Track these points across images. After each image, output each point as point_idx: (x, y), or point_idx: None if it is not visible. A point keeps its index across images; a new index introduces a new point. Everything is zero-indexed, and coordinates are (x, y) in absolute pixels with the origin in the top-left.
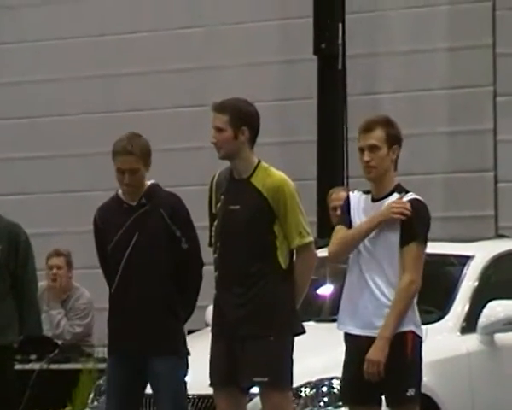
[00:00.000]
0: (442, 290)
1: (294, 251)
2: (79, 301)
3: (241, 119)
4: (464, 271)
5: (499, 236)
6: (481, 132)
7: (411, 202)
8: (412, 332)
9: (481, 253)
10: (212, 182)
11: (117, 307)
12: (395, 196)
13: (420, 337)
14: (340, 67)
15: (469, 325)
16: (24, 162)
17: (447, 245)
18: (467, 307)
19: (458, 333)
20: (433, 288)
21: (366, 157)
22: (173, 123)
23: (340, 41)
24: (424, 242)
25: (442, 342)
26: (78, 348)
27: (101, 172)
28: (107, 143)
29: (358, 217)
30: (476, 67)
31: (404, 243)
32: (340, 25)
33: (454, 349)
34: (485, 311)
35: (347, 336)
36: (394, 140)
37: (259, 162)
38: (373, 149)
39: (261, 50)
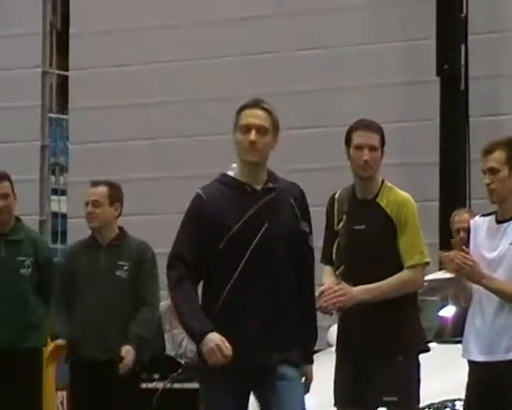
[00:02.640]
0: None
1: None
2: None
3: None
4: None
5: None
6: None
7: None
8: None
9: None
10: (333, 199)
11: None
12: None
13: None
14: (462, 88)
15: None
16: (146, 183)
17: None
18: None
19: None
20: None
21: (487, 180)
22: (295, 144)
23: (462, 62)
24: None
25: None
26: None
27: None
28: (230, 163)
29: (481, 239)
30: None
31: None
32: (463, 46)
33: None
34: None
35: (470, 362)
36: None
37: (383, 182)
38: (493, 171)
39: (383, 72)
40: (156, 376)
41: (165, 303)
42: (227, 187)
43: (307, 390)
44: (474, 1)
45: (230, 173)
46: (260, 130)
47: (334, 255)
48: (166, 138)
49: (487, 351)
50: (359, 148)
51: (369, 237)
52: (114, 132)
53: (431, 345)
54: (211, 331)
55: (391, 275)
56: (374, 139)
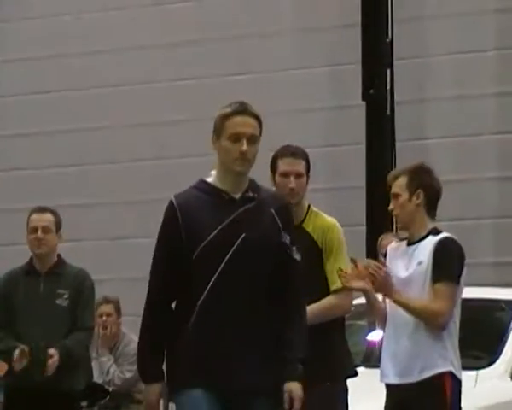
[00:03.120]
0: (492, 335)
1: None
2: (129, 346)
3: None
4: None
5: None
6: None
7: (442, 239)
8: (451, 374)
9: None
10: None
11: None
12: (430, 238)
13: (459, 381)
14: (388, 112)
15: None
16: (74, 209)
17: (498, 290)
18: None
19: (509, 378)
20: (484, 333)
21: (390, 205)
22: None
23: (388, 87)
24: (455, 280)
25: (492, 387)
26: (129, 394)
27: (150, 220)
28: (156, 191)
29: (395, 262)
30: None
31: (434, 281)
32: (389, 70)
33: (504, 395)
34: None
35: (387, 386)
36: (417, 185)
37: (309, 207)
38: (395, 196)
39: (311, 96)
40: (84, 403)
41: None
42: (203, 194)
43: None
44: (399, 26)
45: (209, 180)
46: (251, 139)
47: None
48: (94, 165)
49: (402, 373)
50: (285, 175)
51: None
52: (35, 159)
53: (359, 369)
54: (158, 381)
55: (319, 300)
56: (300, 166)
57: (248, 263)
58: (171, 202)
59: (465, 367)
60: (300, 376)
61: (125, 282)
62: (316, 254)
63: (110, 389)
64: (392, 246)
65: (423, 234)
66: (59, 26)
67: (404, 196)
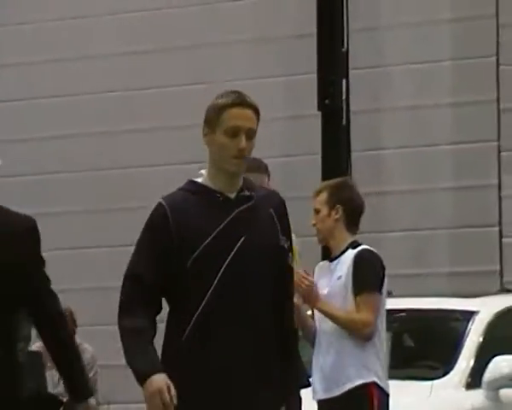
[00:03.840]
0: (447, 346)
1: None
2: (82, 355)
3: None
4: (469, 326)
5: (504, 291)
6: (486, 188)
7: (359, 252)
8: (375, 384)
9: (486, 308)
10: None
11: None
12: (349, 252)
13: (386, 392)
14: (344, 122)
15: (474, 380)
16: (36, 218)
17: (452, 300)
18: (472, 362)
19: (463, 389)
20: (438, 343)
21: (313, 220)
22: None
23: (343, 97)
24: (376, 289)
25: (447, 397)
26: None
27: (105, 230)
28: (113, 201)
29: (321, 279)
30: (480, 123)
31: (356, 294)
32: (344, 81)
33: (459, 405)
34: (490, 366)
35: (318, 402)
36: (336, 201)
37: None
38: (317, 211)
39: (266, 106)
40: None
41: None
42: (195, 195)
43: None
44: (354, 36)
45: (199, 180)
46: (249, 133)
47: None
48: (52, 174)
49: (328, 388)
50: None
51: None
52: None
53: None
54: (156, 373)
55: None
56: (262, 179)
57: (249, 271)
58: (160, 205)
59: (420, 378)
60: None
61: (80, 292)
62: None
63: (64, 400)
64: (320, 265)
65: (343, 248)
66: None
67: (324, 211)
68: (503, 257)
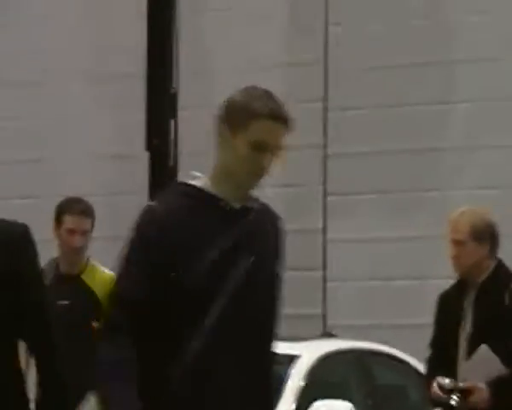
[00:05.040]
0: None
1: None
2: None
3: None
4: (290, 370)
5: (327, 335)
6: (311, 231)
7: None
8: None
9: (308, 352)
10: None
11: None
12: None
13: None
14: (171, 163)
15: None
16: None
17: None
18: (293, 407)
19: None
20: None
21: None
22: None
23: (172, 137)
24: None
25: None
26: None
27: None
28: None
29: None
30: (307, 167)
31: None
32: (173, 121)
33: None
34: None
35: None
36: None
37: (88, 260)
38: None
39: (97, 146)
40: None
41: None
42: (194, 202)
43: None
44: (183, 77)
45: (198, 184)
46: (275, 150)
47: None
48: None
49: None
50: (71, 232)
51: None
52: None
53: None
54: None
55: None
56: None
57: (257, 298)
58: (149, 211)
59: None
60: None
61: None
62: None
63: None
64: None
65: None
66: None
67: None
68: (327, 301)
